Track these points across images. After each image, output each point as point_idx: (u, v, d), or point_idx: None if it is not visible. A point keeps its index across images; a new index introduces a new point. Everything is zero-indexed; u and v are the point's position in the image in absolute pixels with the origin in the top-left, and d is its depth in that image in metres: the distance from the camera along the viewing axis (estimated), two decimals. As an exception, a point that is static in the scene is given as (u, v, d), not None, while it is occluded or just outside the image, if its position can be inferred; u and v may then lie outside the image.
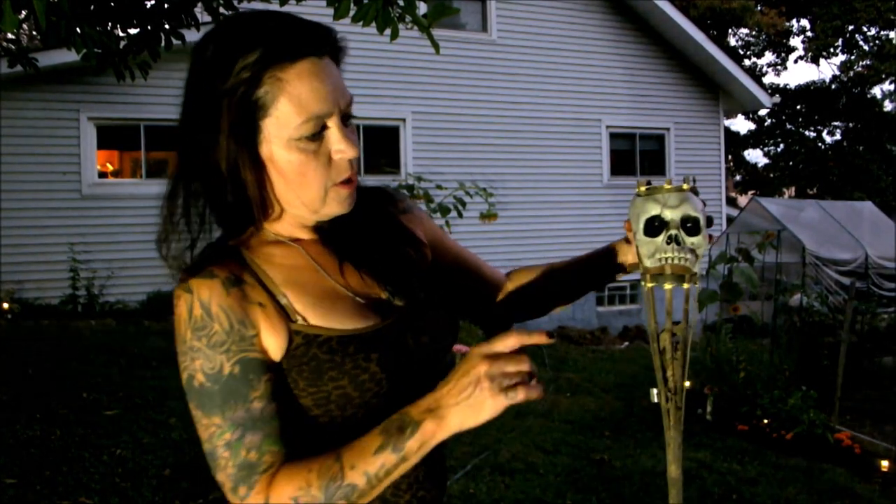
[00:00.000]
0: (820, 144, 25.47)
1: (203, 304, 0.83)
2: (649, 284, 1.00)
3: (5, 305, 7.07)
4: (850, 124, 24.86)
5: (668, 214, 0.97)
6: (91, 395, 4.34)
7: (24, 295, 7.50)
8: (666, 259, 0.97)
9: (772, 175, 25.43)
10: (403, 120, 9.33)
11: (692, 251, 0.97)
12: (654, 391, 1.05)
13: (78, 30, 2.96)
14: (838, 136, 25.55)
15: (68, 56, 5.47)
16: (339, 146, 0.86)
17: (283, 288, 0.88)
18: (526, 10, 10.13)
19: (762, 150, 26.45)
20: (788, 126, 25.70)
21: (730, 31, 24.30)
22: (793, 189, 25.12)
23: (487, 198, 5.26)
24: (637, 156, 11.17)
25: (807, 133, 25.62)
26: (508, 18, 10.04)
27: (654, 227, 0.97)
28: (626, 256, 1.11)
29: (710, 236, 1.00)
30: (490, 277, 1.17)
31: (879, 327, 7.37)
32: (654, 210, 0.98)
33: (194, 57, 0.87)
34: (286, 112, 0.83)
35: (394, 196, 1.05)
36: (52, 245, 7.71)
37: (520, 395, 0.76)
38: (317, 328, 0.86)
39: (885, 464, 4.36)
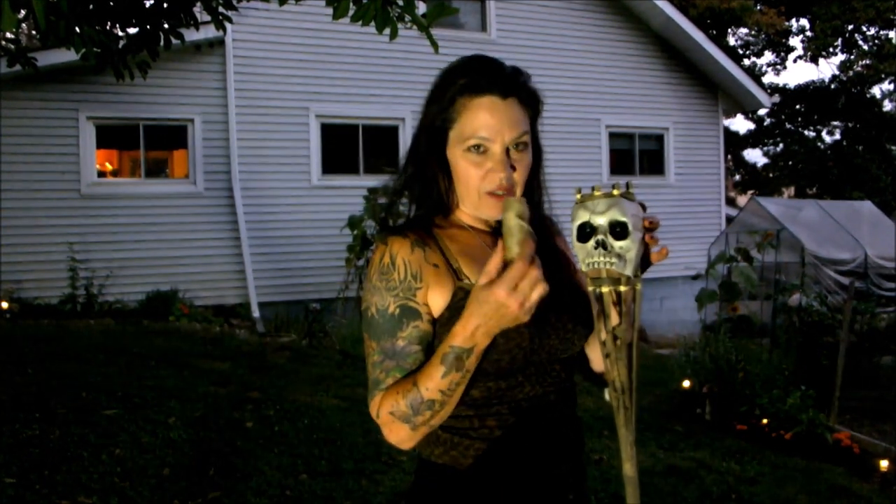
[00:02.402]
0: (819, 144, 25.45)
1: (392, 255, 1.13)
2: (590, 288, 1.03)
3: (4, 305, 7.07)
4: (850, 124, 24.84)
5: (596, 220, 0.99)
6: (90, 394, 4.34)
7: (23, 294, 7.49)
8: (594, 263, 1.00)
9: (771, 175, 25.43)
10: (403, 119, 9.34)
11: (620, 255, 0.98)
12: (607, 391, 1.10)
13: (77, 29, 2.96)
14: (838, 136, 25.54)
15: (67, 55, 5.47)
16: (494, 166, 1.14)
17: (457, 256, 1.16)
18: (525, 10, 10.13)
19: (761, 149, 26.43)
20: (788, 126, 25.68)
21: (729, 30, 24.28)
22: (792, 189, 25.11)
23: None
24: (636, 155, 11.17)
25: (806, 133, 25.60)
26: (508, 18, 10.04)
27: (586, 233, 1.01)
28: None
29: (652, 238, 1.02)
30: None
31: (878, 327, 7.37)
32: (583, 217, 1.01)
33: (437, 77, 1.20)
34: (462, 128, 1.15)
35: (551, 221, 1.34)
36: (51, 245, 7.71)
37: (535, 296, 0.96)
38: None
39: (883, 463, 4.36)
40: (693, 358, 6.00)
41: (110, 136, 8.46)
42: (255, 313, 8.19)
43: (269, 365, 5.83)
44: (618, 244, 0.98)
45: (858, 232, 10.35)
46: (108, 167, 9.65)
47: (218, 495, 3.19)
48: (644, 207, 1.03)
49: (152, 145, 8.74)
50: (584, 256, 1.01)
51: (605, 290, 1.02)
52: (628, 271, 0.99)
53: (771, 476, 4.19)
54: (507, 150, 1.14)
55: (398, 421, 1.06)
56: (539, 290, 0.96)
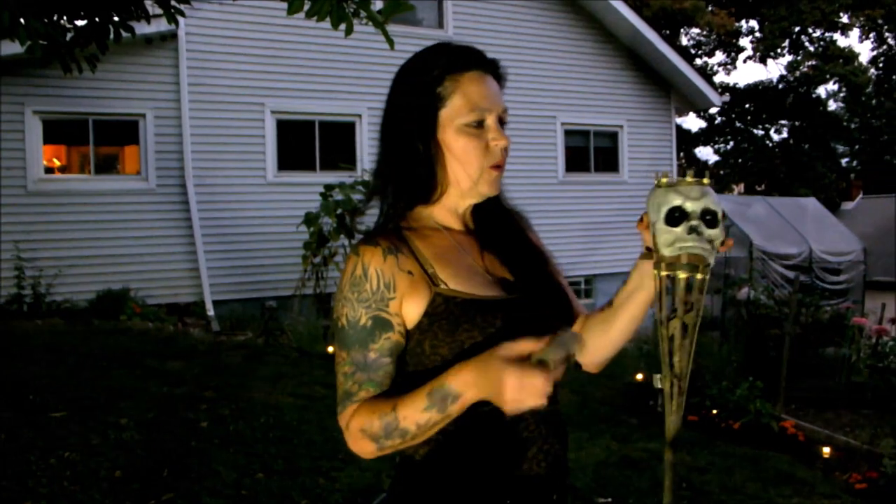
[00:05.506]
0: (767, 142, 26.16)
1: (364, 266, 1.09)
2: (664, 273, 1.02)
3: (-54, 305, 6.83)
4: (797, 123, 25.60)
5: (690, 206, 0.99)
6: (37, 397, 4.23)
7: (-35, 294, 7.25)
8: (686, 248, 0.99)
9: (722, 172, 26.06)
10: (359, 116, 9.29)
11: (710, 242, 1.00)
12: (658, 377, 1.09)
13: (22, 21, 2.87)
14: (785, 135, 26.30)
15: (12, 48, 5.29)
16: (495, 135, 1.15)
17: (432, 261, 1.12)
18: (482, 7, 10.18)
19: (713, 147, 27.06)
20: (738, 124, 26.35)
21: (682, 30, 24.77)
22: (742, 185, 25.77)
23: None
24: (591, 153, 11.32)
25: (755, 131, 26.30)
26: (465, 15, 10.07)
27: (675, 217, 1.00)
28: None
29: (727, 229, 1.02)
30: (574, 312, 1.26)
31: (822, 319, 7.62)
32: (676, 201, 1.00)
33: (404, 67, 1.19)
34: (458, 104, 1.13)
35: (527, 220, 1.33)
36: (-4, 243, 7.46)
37: (529, 403, 0.96)
38: (455, 291, 1.10)
39: (826, 450, 4.52)
40: (646, 352, 6.12)
41: (58, 131, 8.22)
42: (210, 312, 8.07)
43: (224, 364, 5.76)
44: (708, 232, 0.99)
45: (804, 227, 10.70)
46: (56, 163, 9.38)
47: (172, 497, 3.14)
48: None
49: (102, 141, 8.52)
50: (674, 241, 1.00)
51: (682, 276, 1.01)
52: (712, 259, 1.00)
53: (721, 465, 4.31)
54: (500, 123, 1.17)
55: (367, 438, 1.05)
56: (538, 402, 0.95)
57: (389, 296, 1.08)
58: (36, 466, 3.29)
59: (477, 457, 1.10)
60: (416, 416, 1.02)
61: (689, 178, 1.01)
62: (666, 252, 1.01)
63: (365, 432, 1.05)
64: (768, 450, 4.72)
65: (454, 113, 1.13)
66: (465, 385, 0.99)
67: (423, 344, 1.09)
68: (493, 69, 1.19)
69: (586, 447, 4.42)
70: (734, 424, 5.01)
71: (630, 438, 4.74)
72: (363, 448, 1.07)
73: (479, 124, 1.14)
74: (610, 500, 3.61)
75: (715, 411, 5.17)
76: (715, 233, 1.00)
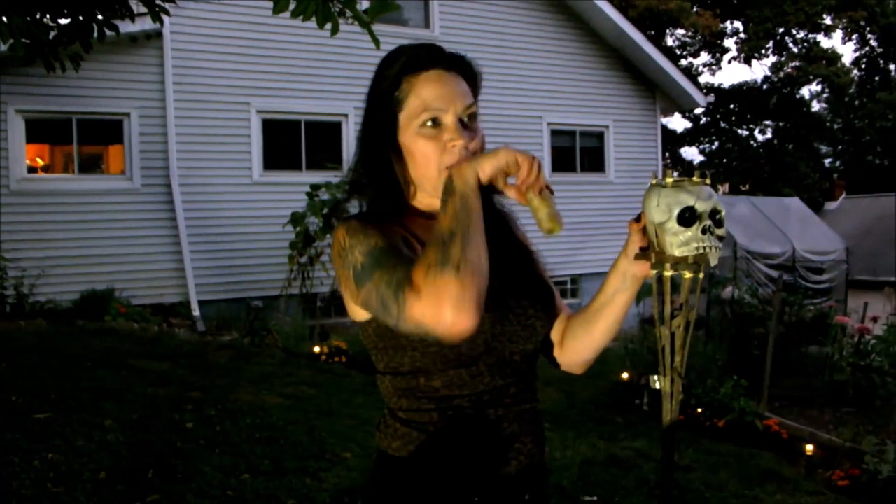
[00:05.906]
0: (752, 142, 26.37)
1: (359, 221, 1.09)
2: (669, 273, 1.03)
3: (-73, 306, 6.75)
4: (780, 123, 25.82)
5: (701, 206, 1.00)
6: (21, 398, 4.19)
7: (-53, 295, 7.16)
8: (704, 248, 1.00)
9: (707, 172, 26.22)
10: (346, 115, 9.28)
11: (720, 240, 1.02)
12: (655, 378, 1.09)
13: (4, 18, 2.85)
14: (769, 135, 26.52)
15: (-7, 46, 5.24)
16: (451, 135, 1.11)
17: (422, 237, 1.12)
18: (469, 7, 10.18)
19: (698, 147, 27.24)
20: (722, 124, 26.53)
21: (667, 31, 24.91)
22: (727, 185, 25.96)
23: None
24: (577, 153, 11.37)
25: (739, 131, 26.49)
26: (451, 15, 10.08)
27: (686, 217, 1.00)
28: (635, 268, 1.12)
29: None
30: (556, 309, 1.26)
31: (806, 318, 7.70)
32: (689, 201, 1.00)
33: (374, 74, 1.19)
34: (413, 106, 1.12)
35: (510, 216, 1.31)
36: (-22, 243, 7.38)
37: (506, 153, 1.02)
38: None
39: (809, 448, 4.57)
40: (632, 350, 6.16)
41: (41, 130, 8.14)
42: (196, 312, 8.02)
43: (210, 364, 5.73)
44: (717, 231, 1.01)
45: (787, 227, 10.80)
46: (39, 162, 9.29)
47: (157, 498, 3.13)
48: None
49: (86, 140, 8.45)
50: (688, 240, 1.00)
51: (688, 275, 1.02)
52: (714, 261, 1.02)
53: (705, 463, 4.34)
54: (461, 122, 1.13)
55: (438, 277, 0.90)
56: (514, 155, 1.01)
57: (392, 240, 1.06)
58: (20, 468, 3.26)
59: (448, 454, 1.10)
60: (446, 224, 0.96)
61: (695, 178, 1.03)
62: (678, 252, 1.01)
63: (430, 269, 0.92)
64: (752, 447, 4.76)
65: (411, 115, 1.12)
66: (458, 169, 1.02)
67: None
68: (458, 66, 1.17)
69: (572, 446, 4.44)
70: (718, 422, 5.05)
71: (616, 437, 4.77)
72: (447, 293, 0.90)
73: (435, 124, 1.12)
74: (595, 498, 3.63)
75: (700, 409, 5.21)
76: (722, 232, 1.02)
